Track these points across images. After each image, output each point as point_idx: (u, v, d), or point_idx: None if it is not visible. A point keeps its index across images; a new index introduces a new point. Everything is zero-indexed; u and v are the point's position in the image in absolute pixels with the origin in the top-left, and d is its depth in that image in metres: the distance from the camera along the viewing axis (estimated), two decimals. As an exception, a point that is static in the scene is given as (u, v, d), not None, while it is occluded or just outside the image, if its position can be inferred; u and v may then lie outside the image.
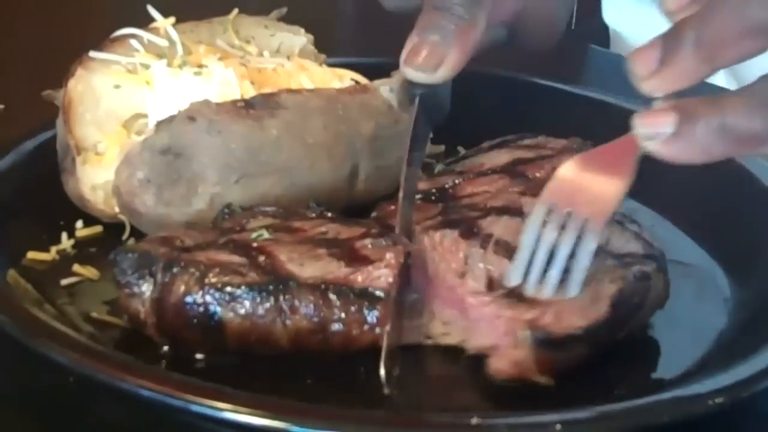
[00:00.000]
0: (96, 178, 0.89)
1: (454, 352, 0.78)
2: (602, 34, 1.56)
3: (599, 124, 0.86)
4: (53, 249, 0.88)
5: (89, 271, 0.85)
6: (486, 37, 0.90)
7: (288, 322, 0.75)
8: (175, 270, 0.75)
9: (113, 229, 0.90)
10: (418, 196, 0.88)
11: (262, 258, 0.77)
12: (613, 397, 0.71)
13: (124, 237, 0.90)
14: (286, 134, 0.87)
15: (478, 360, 0.76)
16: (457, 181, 0.91)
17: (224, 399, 0.66)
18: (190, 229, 0.81)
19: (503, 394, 0.74)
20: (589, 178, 0.77)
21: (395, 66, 0.98)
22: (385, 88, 0.95)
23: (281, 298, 0.75)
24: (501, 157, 0.94)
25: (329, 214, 0.84)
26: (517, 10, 1.00)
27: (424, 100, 0.87)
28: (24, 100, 0.96)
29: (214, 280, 0.75)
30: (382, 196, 0.92)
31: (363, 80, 0.98)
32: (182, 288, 0.75)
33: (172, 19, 0.97)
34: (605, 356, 0.75)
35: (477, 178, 0.90)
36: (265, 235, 0.79)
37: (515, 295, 0.76)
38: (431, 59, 0.85)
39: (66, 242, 0.89)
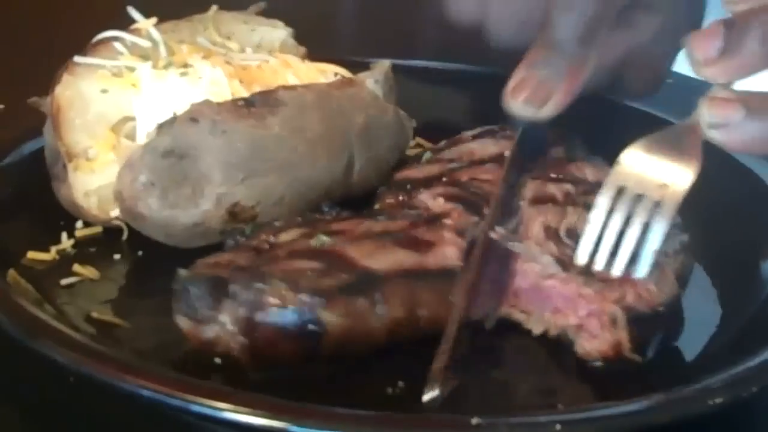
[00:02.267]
0: (89, 184, 0.89)
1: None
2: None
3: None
4: (53, 249, 0.88)
5: (89, 271, 0.85)
6: (591, 79, 0.89)
7: (383, 314, 0.75)
8: (261, 284, 0.73)
9: (113, 229, 0.90)
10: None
11: (336, 259, 0.76)
12: (613, 397, 0.71)
13: (124, 238, 0.90)
14: (286, 130, 0.87)
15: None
16: (452, 168, 0.91)
17: (224, 399, 0.66)
18: (224, 253, 0.79)
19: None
20: (658, 162, 0.77)
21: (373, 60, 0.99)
22: (371, 81, 0.96)
23: (374, 292, 0.75)
24: (490, 147, 0.94)
25: (345, 214, 0.85)
26: (622, 56, 0.97)
27: (524, 134, 0.85)
28: (24, 100, 0.95)
29: (307, 285, 0.74)
30: (374, 187, 0.93)
31: (346, 73, 0.98)
32: (275, 300, 0.73)
33: (153, 20, 0.96)
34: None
35: (472, 167, 0.91)
36: (326, 239, 0.78)
37: (587, 274, 0.76)
38: (539, 95, 0.84)
39: (66, 242, 0.89)
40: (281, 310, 0.73)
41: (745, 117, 0.74)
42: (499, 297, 0.80)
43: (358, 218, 0.83)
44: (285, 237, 0.80)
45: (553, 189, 0.86)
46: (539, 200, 0.85)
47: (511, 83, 0.85)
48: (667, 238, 0.78)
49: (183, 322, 0.74)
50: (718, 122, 0.75)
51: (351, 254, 0.77)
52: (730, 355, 0.75)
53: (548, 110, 0.85)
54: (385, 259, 0.77)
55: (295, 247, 0.78)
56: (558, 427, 0.65)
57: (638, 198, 0.76)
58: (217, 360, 0.74)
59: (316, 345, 0.74)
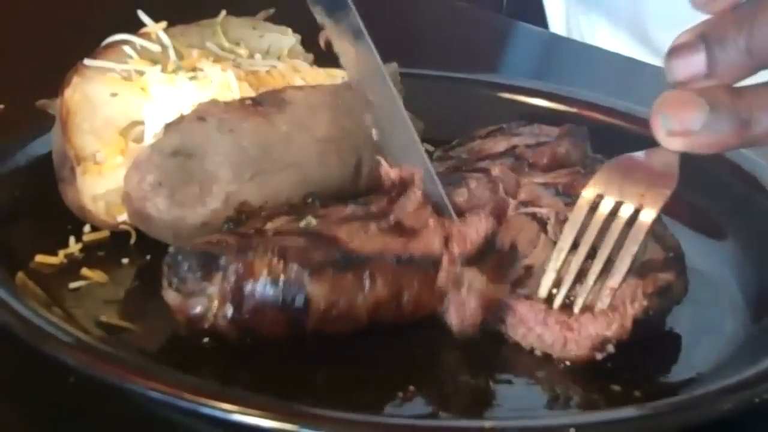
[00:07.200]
0: (96, 188, 0.89)
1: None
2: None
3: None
4: (61, 252, 0.87)
5: (97, 275, 0.85)
6: None
7: (368, 294, 0.76)
8: (250, 255, 0.74)
9: (120, 233, 0.90)
10: None
11: (324, 239, 0.77)
12: (627, 401, 0.71)
13: (132, 241, 0.90)
14: (295, 130, 0.87)
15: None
16: (459, 164, 0.91)
17: (234, 401, 0.66)
18: (215, 234, 0.80)
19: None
20: (637, 176, 0.75)
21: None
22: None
23: (362, 271, 0.76)
24: (500, 144, 0.94)
25: (331, 202, 0.85)
26: None
27: None
28: (33, 103, 0.96)
29: (296, 257, 0.75)
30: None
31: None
32: (265, 269, 0.74)
33: (163, 24, 0.96)
34: (619, 359, 0.75)
35: (479, 162, 0.91)
36: (313, 222, 0.80)
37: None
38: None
39: (74, 246, 0.89)
40: (269, 280, 0.74)
41: (709, 116, 0.66)
42: None
43: (343, 205, 0.84)
44: (272, 225, 0.81)
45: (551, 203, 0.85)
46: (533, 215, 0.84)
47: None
48: (651, 274, 0.77)
49: (171, 297, 0.75)
50: (676, 129, 0.68)
51: (339, 235, 0.78)
52: (741, 362, 0.75)
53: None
54: (371, 243, 0.78)
55: (282, 229, 0.79)
56: (572, 430, 0.64)
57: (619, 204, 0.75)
58: (206, 340, 0.75)
59: (301, 319, 0.75)
